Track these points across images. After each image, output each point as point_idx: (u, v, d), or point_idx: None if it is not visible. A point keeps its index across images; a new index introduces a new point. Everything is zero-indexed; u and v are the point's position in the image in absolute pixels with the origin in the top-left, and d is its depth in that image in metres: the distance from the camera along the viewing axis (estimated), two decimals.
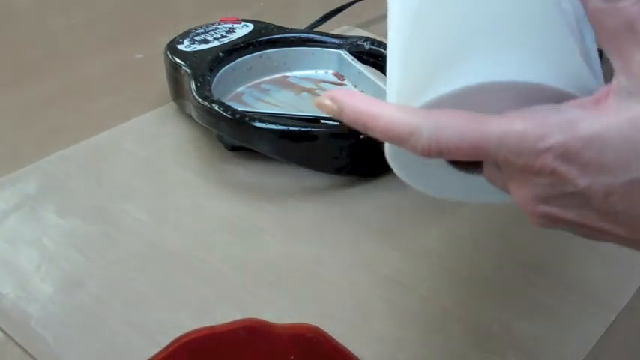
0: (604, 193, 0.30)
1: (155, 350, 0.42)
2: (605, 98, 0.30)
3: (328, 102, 0.33)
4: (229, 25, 0.67)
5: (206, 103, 0.55)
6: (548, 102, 0.31)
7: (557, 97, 0.31)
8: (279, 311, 0.46)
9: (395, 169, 0.37)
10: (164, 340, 0.42)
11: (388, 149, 0.35)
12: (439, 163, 0.36)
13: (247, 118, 0.54)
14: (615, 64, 0.30)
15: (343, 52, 0.65)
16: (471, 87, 0.32)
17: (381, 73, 0.63)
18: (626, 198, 0.29)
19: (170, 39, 0.65)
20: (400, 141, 0.31)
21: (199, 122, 0.57)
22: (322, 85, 0.64)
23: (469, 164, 0.36)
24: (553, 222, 0.32)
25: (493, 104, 0.32)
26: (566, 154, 0.29)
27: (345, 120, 0.33)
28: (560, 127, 0.29)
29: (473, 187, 0.37)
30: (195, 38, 0.65)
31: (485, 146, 0.30)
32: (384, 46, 0.64)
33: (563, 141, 0.29)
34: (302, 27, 0.72)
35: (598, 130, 0.29)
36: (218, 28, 0.67)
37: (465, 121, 0.30)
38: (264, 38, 0.65)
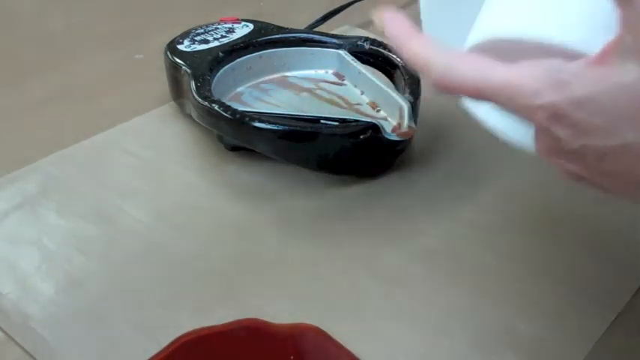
0: (597, 154, 0.30)
1: (155, 350, 0.42)
2: (608, 55, 0.30)
3: (378, 21, 0.36)
4: (229, 25, 0.67)
5: (206, 103, 0.55)
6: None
7: (574, 56, 0.31)
8: (279, 311, 0.46)
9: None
10: (164, 340, 0.42)
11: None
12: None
13: (247, 118, 0.54)
14: (622, 19, 0.29)
15: (343, 52, 0.65)
16: (484, 42, 0.35)
17: (381, 73, 0.63)
18: (618, 160, 0.30)
19: (170, 39, 0.65)
20: (420, 68, 0.33)
21: (199, 122, 0.57)
22: (322, 85, 0.64)
23: None
24: (564, 172, 0.34)
25: (525, 58, 0.33)
26: (557, 114, 0.30)
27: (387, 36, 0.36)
28: (554, 87, 0.29)
29: None
30: (195, 38, 0.65)
31: (486, 90, 0.31)
32: (384, 46, 0.64)
33: (555, 101, 0.29)
34: (302, 27, 0.72)
35: (589, 92, 0.29)
36: (218, 28, 0.67)
37: (475, 65, 0.32)
38: (264, 38, 0.65)
